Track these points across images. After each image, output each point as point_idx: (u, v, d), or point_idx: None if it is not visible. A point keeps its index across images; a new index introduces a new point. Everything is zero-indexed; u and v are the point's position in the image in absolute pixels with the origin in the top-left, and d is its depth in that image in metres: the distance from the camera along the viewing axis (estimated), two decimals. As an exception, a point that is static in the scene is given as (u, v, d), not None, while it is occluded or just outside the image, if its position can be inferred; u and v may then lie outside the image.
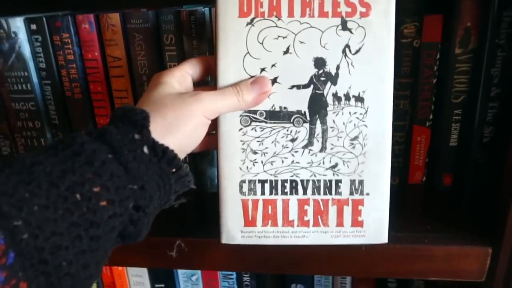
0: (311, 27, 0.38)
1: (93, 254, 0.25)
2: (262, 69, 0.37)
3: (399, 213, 0.46)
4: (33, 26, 0.48)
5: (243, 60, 0.37)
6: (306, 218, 0.40)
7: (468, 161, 0.49)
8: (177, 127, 0.31)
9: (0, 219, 0.22)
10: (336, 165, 0.40)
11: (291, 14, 0.37)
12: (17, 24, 0.48)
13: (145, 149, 0.28)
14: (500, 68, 0.44)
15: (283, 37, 0.38)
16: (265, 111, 0.38)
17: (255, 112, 0.38)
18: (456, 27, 0.44)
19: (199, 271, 0.63)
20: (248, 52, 0.37)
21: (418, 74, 0.47)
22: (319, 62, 0.38)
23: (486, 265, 0.41)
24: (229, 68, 0.37)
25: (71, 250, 0.24)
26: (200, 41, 0.46)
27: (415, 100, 0.48)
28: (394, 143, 0.49)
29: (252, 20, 0.37)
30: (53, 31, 0.49)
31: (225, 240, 0.40)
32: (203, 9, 0.45)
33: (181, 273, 0.63)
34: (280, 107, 0.38)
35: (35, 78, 0.51)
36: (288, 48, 0.38)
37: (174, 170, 0.30)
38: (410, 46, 0.45)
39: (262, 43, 0.37)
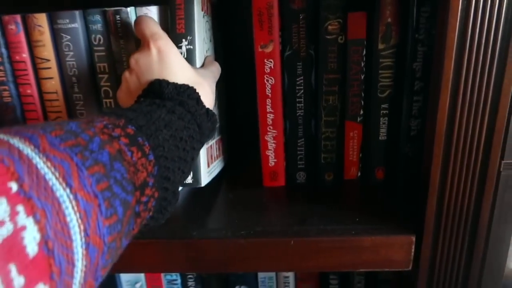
0: None
1: (181, 183, 0.36)
2: None
3: (333, 208, 0.47)
4: (-44, 28, 0.47)
5: None
6: None
7: (398, 154, 0.50)
8: (208, 94, 0.41)
9: (149, 141, 0.30)
10: None
11: None
12: None
13: (203, 113, 0.39)
14: (421, 62, 0.46)
15: None
16: None
17: None
18: (377, 23, 0.45)
19: (143, 279, 0.62)
20: None
21: (346, 70, 0.48)
22: None
23: (411, 253, 0.42)
24: None
25: (177, 176, 0.33)
26: (127, 41, 0.46)
27: (345, 96, 0.49)
28: (326, 138, 0.50)
29: None
30: (-23, 33, 0.48)
31: None
32: (127, 9, 0.45)
33: (125, 281, 0.61)
34: None
35: (-40, 82, 0.49)
36: None
37: (213, 124, 0.41)
38: (335, 42, 0.46)
39: None
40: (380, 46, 0.46)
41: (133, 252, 0.42)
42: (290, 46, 0.47)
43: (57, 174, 0.22)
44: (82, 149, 0.25)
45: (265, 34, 0.46)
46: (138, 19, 0.42)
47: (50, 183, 0.21)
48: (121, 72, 0.48)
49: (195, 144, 0.36)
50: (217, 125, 0.40)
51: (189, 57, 0.45)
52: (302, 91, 0.49)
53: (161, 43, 0.40)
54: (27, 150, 0.22)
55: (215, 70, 0.47)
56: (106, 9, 0.46)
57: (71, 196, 0.22)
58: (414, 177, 0.49)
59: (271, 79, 0.48)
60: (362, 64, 0.48)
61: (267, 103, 0.48)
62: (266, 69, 0.47)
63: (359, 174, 0.53)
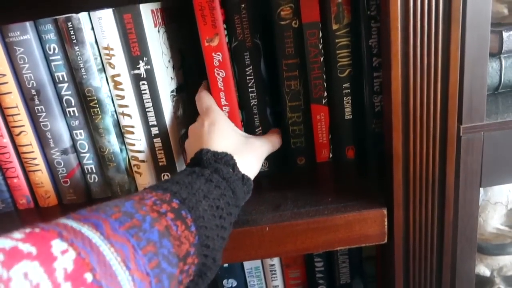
0: None
1: (220, 250, 0.37)
2: None
3: (304, 191, 0.48)
4: None
5: None
6: None
7: (366, 132, 0.50)
8: (249, 162, 0.44)
9: (191, 213, 0.33)
10: None
11: None
12: None
13: (239, 181, 0.41)
14: (377, 38, 0.47)
15: None
16: None
17: None
18: (329, 4, 0.46)
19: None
20: None
21: (305, 54, 0.48)
22: None
23: (384, 226, 0.42)
24: None
25: (216, 242, 0.36)
26: (82, 47, 0.46)
27: (307, 80, 0.50)
28: (293, 123, 0.50)
29: None
30: None
31: None
32: (78, 15, 0.45)
33: None
34: None
35: None
36: None
37: (249, 189, 0.42)
38: (290, 27, 0.47)
39: None
40: (334, 27, 0.47)
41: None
42: (236, 37, 0.47)
43: (118, 259, 0.27)
44: (137, 230, 0.29)
45: (209, 27, 0.45)
46: (197, 96, 0.49)
47: (114, 268, 0.26)
48: (80, 80, 0.47)
49: (232, 209, 0.38)
50: (251, 187, 0.42)
51: (149, 77, 0.46)
52: (253, 80, 0.49)
53: (212, 116, 0.46)
54: (96, 238, 0.27)
55: (273, 139, 0.49)
56: (57, 17, 0.45)
57: (129, 278, 0.27)
58: (383, 152, 0.50)
59: (221, 72, 0.47)
60: (320, 47, 0.49)
61: (221, 96, 0.48)
62: (215, 62, 0.47)
63: (331, 155, 0.54)
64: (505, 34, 0.45)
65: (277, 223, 0.43)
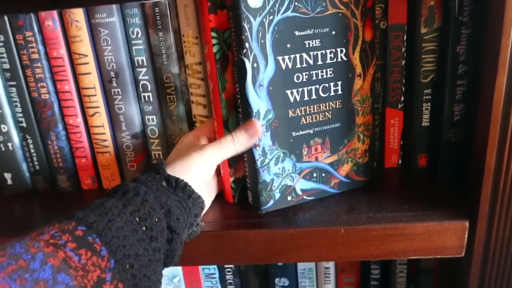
0: None
1: (157, 263, 0.35)
2: None
3: (377, 196, 0.46)
4: (-6, 26, 0.47)
5: None
6: None
7: (441, 141, 0.49)
8: (187, 172, 0.40)
9: (100, 236, 0.31)
10: None
11: None
12: (-23, 25, 0.47)
13: (163, 183, 0.38)
14: (465, 45, 0.45)
15: None
16: None
17: None
18: (420, 6, 0.45)
19: (181, 273, 0.61)
20: None
21: (386, 56, 0.47)
22: None
23: (464, 239, 0.41)
24: None
25: (144, 258, 0.33)
26: (166, 33, 0.46)
27: (386, 82, 0.48)
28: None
29: None
30: (15, 30, 0.48)
31: None
32: (165, 1, 0.45)
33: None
34: None
35: (-1, 80, 0.49)
36: None
37: (188, 195, 0.39)
38: (378, 28, 0.46)
39: None
40: (423, 30, 0.45)
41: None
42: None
43: None
44: (23, 272, 0.27)
45: (203, 33, 0.43)
46: None
47: None
48: (160, 66, 0.47)
49: (158, 214, 0.35)
50: (184, 186, 0.39)
51: None
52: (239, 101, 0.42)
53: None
54: None
55: (225, 142, 0.42)
56: (144, 1, 0.45)
57: None
58: (457, 163, 0.49)
59: (210, 83, 0.44)
60: (403, 50, 0.47)
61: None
62: (208, 71, 0.44)
63: (400, 161, 0.52)
64: None
65: (352, 226, 0.42)
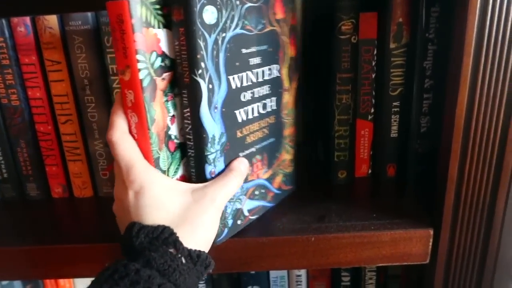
0: None
1: None
2: None
3: (347, 205, 0.48)
4: (-37, 30, 0.46)
5: None
6: None
7: (409, 151, 0.51)
8: (201, 229, 0.35)
9: None
10: None
11: None
12: None
13: (183, 260, 0.33)
14: (431, 60, 0.47)
15: None
16: None
17: None
18: (389, 23, 0.46)
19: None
20: None
21: (357, 69, 0.49)
22: None
23: (428, 247, 0.43)
24: None
25: None
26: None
27: (356, 95, 0.50)
28: (339, 137, 0.50)
29: None
30: (-15, 35, 0.47)
31: None
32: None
33: None
34: None
35: (-34, 85, 0.48)
36: None
37: (205, 266, 0.35)
38: (349, 42, 0.47)
39: None
40: (392, 45, 0.47)
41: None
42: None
43: None
44: None
45: (120, 56, 0.34)
46: (112, 140, 0.35)
47: None
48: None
49: None
50: (209, 260, 0.35)
51: None
52: (189, 127, 0.37)
53: (136, 181, 0.34)
54: None
55: (229, 181, 0.38)
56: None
57: None
58: (424, 173, 0.51)
59: (133, 116, 0.36)
60: (373, 63, 0.49)
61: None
62: (128, 102, 0.35)
63: (369, 171, 0.54)
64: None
65: (322, 234, 0.43)
